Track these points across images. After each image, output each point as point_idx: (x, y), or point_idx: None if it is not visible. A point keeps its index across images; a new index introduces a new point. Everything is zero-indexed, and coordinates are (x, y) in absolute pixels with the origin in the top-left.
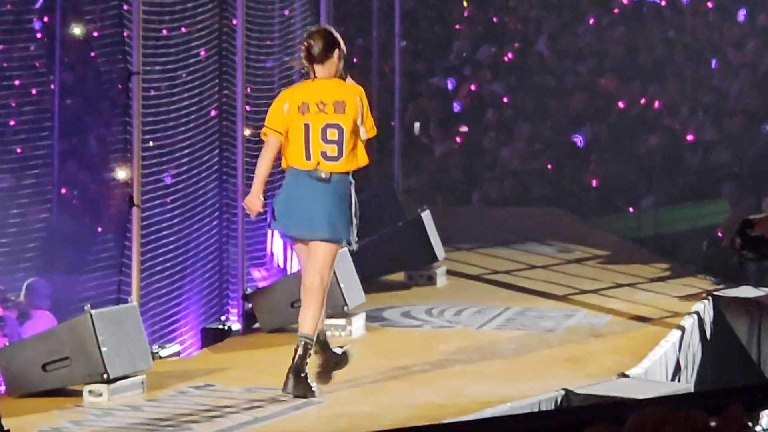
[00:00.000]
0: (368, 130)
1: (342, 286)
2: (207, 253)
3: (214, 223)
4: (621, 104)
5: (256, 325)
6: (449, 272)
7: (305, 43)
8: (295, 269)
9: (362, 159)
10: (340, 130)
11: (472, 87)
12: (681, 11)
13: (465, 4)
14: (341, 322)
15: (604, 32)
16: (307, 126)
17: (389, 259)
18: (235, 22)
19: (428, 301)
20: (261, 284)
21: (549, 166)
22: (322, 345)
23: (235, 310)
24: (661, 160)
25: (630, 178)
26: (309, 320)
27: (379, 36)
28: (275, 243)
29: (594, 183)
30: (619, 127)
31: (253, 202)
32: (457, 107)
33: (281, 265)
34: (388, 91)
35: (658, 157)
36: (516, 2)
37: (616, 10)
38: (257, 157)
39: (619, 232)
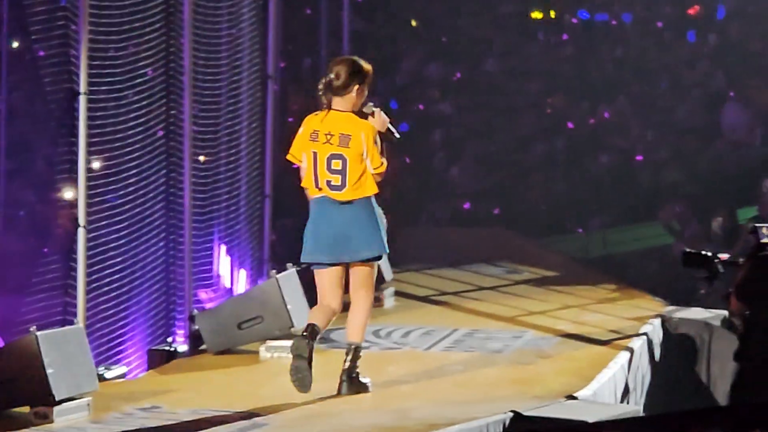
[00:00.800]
0: (375, 166)
1: (289, 307)
2: (153, 274)
3: (161, 243)
4: (570, 124)
5: (203, 346)
6: (397, 293)
7: (330, 74)
8: (242, 290)
9: (370, 189)
10: (344, 161)
11: (420, 107)
12: (631, 31)
13: (413, 23)
14: (288, 343)
15: (554, 51)
16: (315, 154)
17: None
18: (182, 41)
19: (376, 322)
20: (208, 305)
21: (498, 187)
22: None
23: (181, 332)
24: (610, 180)
25: (579, 198)
26: (356, 328)
27: (328, 55)
28: (222, 264)
29: (543, 203)
30: (568, 147)
31: None
32: (404, 127)
33: (228, 286)
34: None
35: (608, 177)
36: (464, 21)
37: (565, 35)
38: (204, 177)
39: (568, 253)
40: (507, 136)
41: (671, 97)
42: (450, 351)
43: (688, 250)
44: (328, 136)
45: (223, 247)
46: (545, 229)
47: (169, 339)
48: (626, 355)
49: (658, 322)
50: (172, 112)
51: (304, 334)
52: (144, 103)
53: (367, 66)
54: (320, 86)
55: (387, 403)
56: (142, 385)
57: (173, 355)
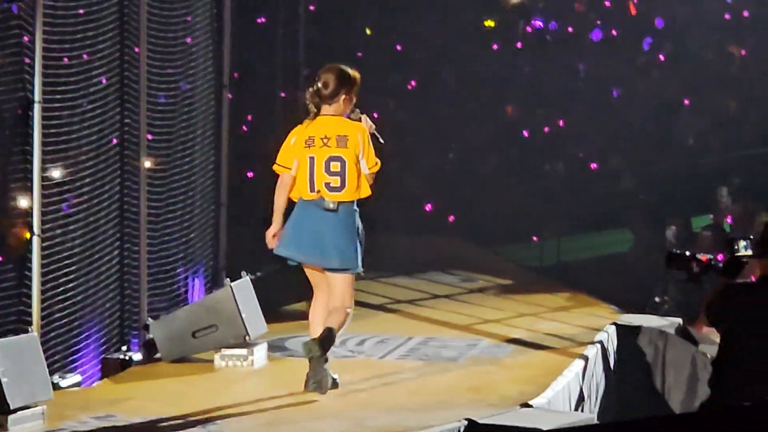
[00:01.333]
0: (370, 165)
1: (244, 316)
2: (108, 283)
3: (115, 252)
4: (525, 132)
5: (158, 354)
6: None
7: (318, 82)
8: (196, 298)
9: (364, 190)
10: (343, 162)
11: (375, 115)
12: (585, 39)
13: (368, 32)
14: (243, 352)
15: (508, 60)
16: (312, 159)
17: (292, 288)
18: (136, 49)
19: None
20: (162, 314)
21: (453, 195)
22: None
23: (136, 340)
24: (565, 189)
25: (534, 207)
26: (333, 321)
27: (282, 64)
28: (177, 272)
29: (498, 212)
30: (523, 156)
31: (269, 237)
32: None
33: (183, 295)
34: (291, 120)
35: (563, 185)
36: (420, 30)
37: (519, 43)
38: (159, 185)
39: (522, 261)
40: (462, 144)
41: (626, 106)
42: (405, 359)
43: (673, 251)
44: (325, 140)
45: (178, 256)
46: (500, 237)
47: (124, 347)
48: (581, 363)
49: (612, 329)
50: (127, 120)
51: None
52: (98, 111)
53: (354, 74)
54: (308, 94)
55: (342, 411)
56: (96, 394)
57: (128, 363)
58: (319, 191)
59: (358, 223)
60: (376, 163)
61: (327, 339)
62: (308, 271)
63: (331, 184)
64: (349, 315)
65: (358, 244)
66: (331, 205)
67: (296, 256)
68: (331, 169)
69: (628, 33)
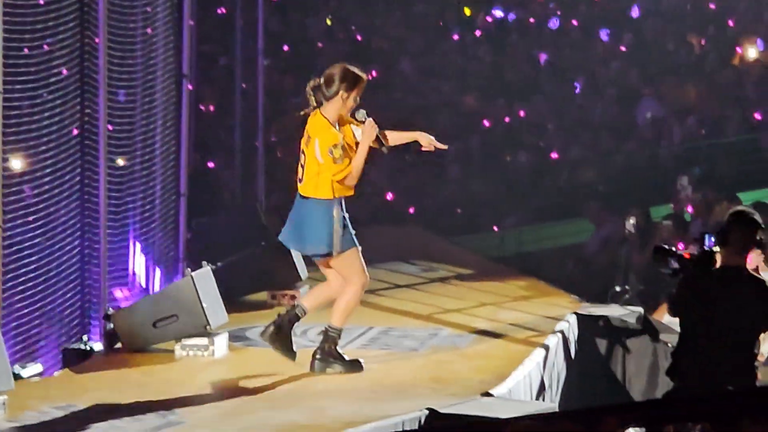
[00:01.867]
0: (332, 173)
1: (204, 305)
2: (68, 273)
3: (76, 242)
4: (485, 122)
5: (118, 345)
6: None
7: (321, 77)
8: (157, 289)
9: (323, 191)
10: (304, 157)
11: None
12: (545, 29)
13: (328, 22)
14: (203, 341)
15: (468, 50)
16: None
17: (252, 278)
18: (97, 40)
19: None
20: (123, 304)
21: (413, 185)
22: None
23: (97, 330)
24: (525, 179)
25: (494, 197)
26: (335, 312)
27: (243, 54)
28: (137, 262)
29: (458, 202)
30: (483, 146)
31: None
32: None
33: (143, 285)
34: (251, 110)
35: (523, 175)
36: (380, 21)
37: (479, 32)
38: (119, 175)
39: (483, 251)
40: None
41: (586, 96)
42: (366, 349)
43: (661, 245)
44: (306, 135)
45: (139, 246)
46: (460, 227)
47: (85, 338)
48: (542, 352)
49: (573, 319)
50: (87, 111)
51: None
52: (58, 102)
53: (359, 74)
54: (308, 88)
55: (303, 401)
56: (57, 384)
57: (89, 353)
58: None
59: (334, 209)
60: (340, 171)
61: (326, 339)
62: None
63: (298, 176)
64: (357, 290)
65: (331, 229)
66: (303, 195)
67: (290, 246)
68: (300, 162)
69: (588, 23)
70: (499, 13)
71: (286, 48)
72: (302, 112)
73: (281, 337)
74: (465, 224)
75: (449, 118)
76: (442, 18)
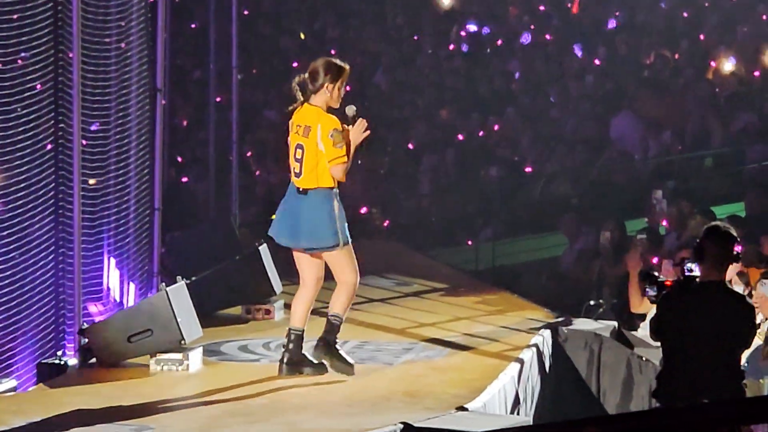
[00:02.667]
0: (330, 158)
1: (179, 320)
2: (43, 288)
3: (50, 257)
4: (460, 136)
5: (93, 359)
6: (287, 306)
7: (307, 72)
8: (132, 303)
9: (324, 180)
10: (303, 150)
11: None
12: (520, 44)
13: (302, 36)
14: (178, 356)
15: (443, 64)
16: (288, 144)
17: (226, 292)
18: (71, 54)
19: (266, 334)
20: (97, 319)
21: (388, 199)
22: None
23: (71, 345)
24: (500, 192)
25: (469, 210)
26: (336, 303)
27: (217, 68)
28: (112, 277)
29: (432, 216)
30: (458, 159)
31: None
32: None
33: (118, 300)
34: (225, 124)
35: (498, 188)
36: (354, 34)
37: (452, 46)
38: (94, 190)
39: (457, 265)
40: (397, 148)
41: (560, 109)
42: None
43: (648, 271)
44: (298, 128)
45: (113, 261)
46: (435, 241)
47: (59, 352)
48: (516, 366)
49: (548, 333)
50: (61, 125)
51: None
52: (32, 116)
53: (342, 65)
54: (294, 84)
55: (278, 415)
56: (32, 399)
57: (63, 368)
58: (291, 177)
59: (334, 202)
60: (339, 157)
61: (331, 329)
62: (296, 260)
63: (295, 170)
64: (355, 283)
65: (335, 221)
66: (301, 189)
67: (282, 241)
68: (296, 156)
69: (562, 37)
70: (473, 27)
71: (259, 62)
72: (290, 108)
73: (301, 361)
74: (439, 238)
75: (424, 132)
76: (417, 32)
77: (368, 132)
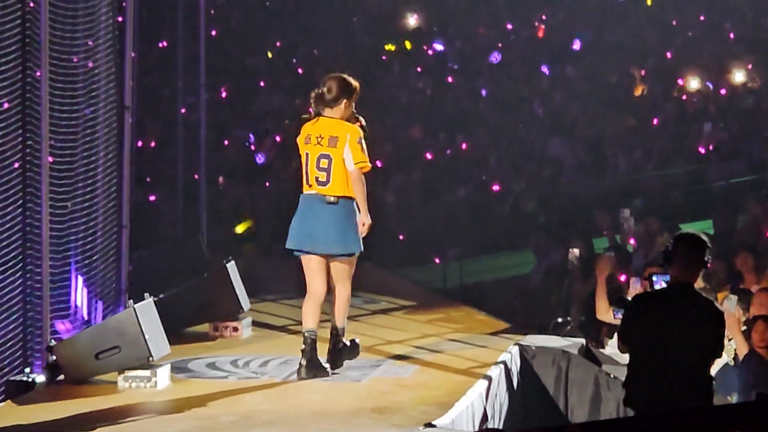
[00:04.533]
0: (356, 161)
1: (147, 337)
2: (11, 305)
3: (18, 274)
4: (428, 155)
5: (61, 377)
6: (255, 323)
7: (322, 87)
8: (99, 320)
9: (350, 189)
10: (330, 159)
11: (277, 138)
12: (487, 63)
13: (269, 55)
14: (146, 373)
15: (411, 83)
16: (306, 155)
17: (194, 310)
18: (38, 73)
19: (234, 352)
20: (65, 336)
21: None
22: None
23: (39, 362)
24: (467, 211)
25: (437, 229)
26: (337, 314)
27: (184, 87)
28: (79, 295)
29: (400, 234)
30: (425, 178)
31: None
32: (260, 159)
33: (85, 317)
34: (193, 143)
35: (465, 207)
36: (321, 53)
37: (420, 68)
38: (61, 207)
39: (425, 283)
40: None
41: (527, 128)
42: (308, 380)
43: (621, 296)
44: (319, 138)
45: (81, 278)
46: (403, 259)
47: (27, 369)
48: (484, 383)
49: (516, 350)
50: (29, 143)
51: (303, 348)
52: (0, 135)
53: (355, 83)
54: (311, 98)
55: None
56: (0, 416)
57: (31, 385)
58: (311, 185)
59: (357, 212)
60: (364, 161)
61: (336, 347)
62: (307, 263)
63: (319, 179)
64: (350, 291)
65: (358, 230)
66: (332, 199)
67: (305, 247)
68: (321, 165)
69: (529, 56)
70: (439, 47)
71: (227, 81)
72: (303, 117)
73: (315, 365)
74: (408, 256)
75: (392, 151)
76: (384, 51)
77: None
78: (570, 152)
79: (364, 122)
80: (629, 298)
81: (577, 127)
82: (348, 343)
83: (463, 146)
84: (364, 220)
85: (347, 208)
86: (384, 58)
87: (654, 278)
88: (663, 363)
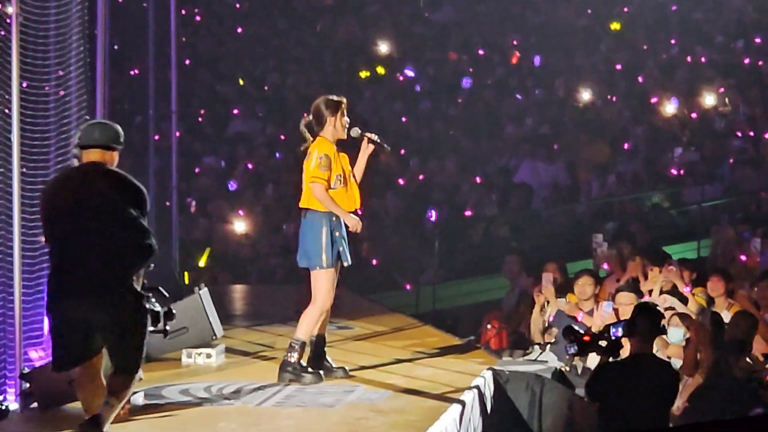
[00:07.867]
0: (307, 175)
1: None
2: None
3: None
4: (401, 180)
5: (34, 404)
6: (228, 350)
7: (311, 113)
8: None
9: (315, 202)
10: (303, 173)
11: (249, 165)
12: (458, 87)
13: (240, 82)
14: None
15: (381, 108)
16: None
17: (167, 336)
18: (8, 97)
19: (207, 378)
20: (38, 364)
21: None
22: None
23: (12, 390)
24: (440, 236)
25: (409, 254)
26: (299, 326)
27: (156, 114)
28: None
29: (373, 259)
30: (398, 203)
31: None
32: (233, 185)
33: None
34: (165, 169)
35: (438, 232)
36: (293, 80)
37: (391, 89)
38: (34, 234)
39: (398, 308)
40: None
41: (499, 152)
42: (281, 406)
43: (571, 326)
44: (307, 154)
45: None
46: (376, 284)
47: (1, 397)
48: (458, 408)
49: (489, 374)
50: (0, 171)
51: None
52: None
53: (337, 99)
54: (302, 127)
55: None
56: None
57: (5, 413)
58: None
59: (325, 224)
60: (314, 176)
61: (291, 351)
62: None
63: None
64: (317, 311)
65: (322, 244)
66: (302, 212)
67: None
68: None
69: (502, 80)
70: (410, 73)
71: (199, 107)
72: (302, 147)
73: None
74: (381, 281)
75: (364, 176)
76: (355, 77)
77: (373, 141)
78: (542, 176)
79: (375, 137)
80: (578, 330)
81: (550, 151)
82: (310, 370)
83: (436, 171)
84: (349, 223)
85: (311, 219)
86: (355, 83)
87: (612, 329)
88: (629, 421)
